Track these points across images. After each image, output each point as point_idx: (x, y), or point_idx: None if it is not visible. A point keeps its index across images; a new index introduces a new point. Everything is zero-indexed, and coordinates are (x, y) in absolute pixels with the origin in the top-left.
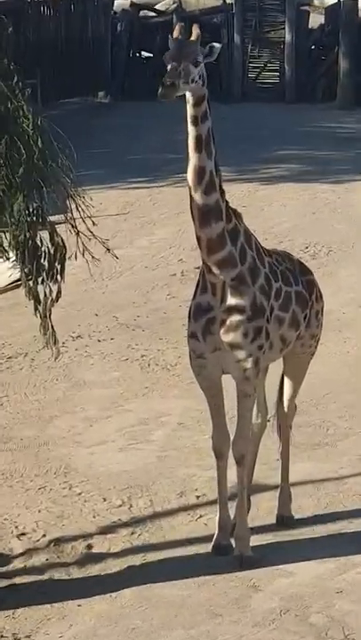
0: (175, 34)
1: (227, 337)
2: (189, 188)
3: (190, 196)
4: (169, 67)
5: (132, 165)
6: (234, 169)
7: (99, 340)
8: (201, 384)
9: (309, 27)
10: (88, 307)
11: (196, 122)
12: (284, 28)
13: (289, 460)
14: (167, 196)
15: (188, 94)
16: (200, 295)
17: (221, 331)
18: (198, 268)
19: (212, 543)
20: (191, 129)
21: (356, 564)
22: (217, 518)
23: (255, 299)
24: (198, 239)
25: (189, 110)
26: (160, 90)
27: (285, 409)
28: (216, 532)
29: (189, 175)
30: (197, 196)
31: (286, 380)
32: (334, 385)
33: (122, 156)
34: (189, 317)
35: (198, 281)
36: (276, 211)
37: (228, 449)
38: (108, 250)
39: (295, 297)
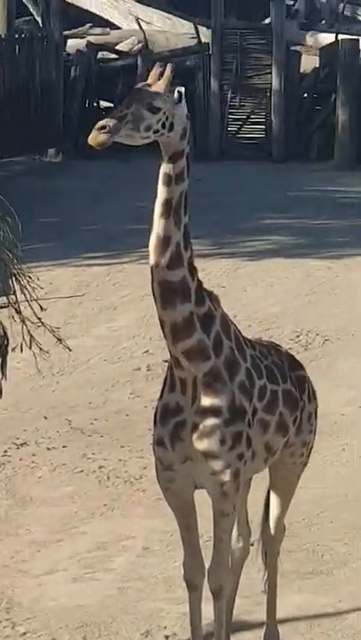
0: (149, 80)
1: (200, 444)
2: (150, 261)
3: (151, 270)
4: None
5: (88, 238)
6: (210, 241)
7: (48, 448)
8: (170, 501)
9: (301, 71)
10: (35, 408)
11: (168, 182)
12: (270, 73)
13: (276, 593)
14: (130, 275)
15: (162, 147)
16: (168, 394)
17: (193, 437)
18: (167, 361)
19: None
20: (161, 190)
21: None
22: None
23: (234, 398)
24: (161, 323)
25: (163, 167)
26: (92, 133)
27: (272, 531)
28: None
29: (151, 245)
30: (158, 271)
31: (273, 496)
32: (331, 502)
33: (76, 226)
34: (155, 421)
35: (166, 377)
36: (261, 292)
37: (202, 579)
38: (60, 340)
39: (283, 397)
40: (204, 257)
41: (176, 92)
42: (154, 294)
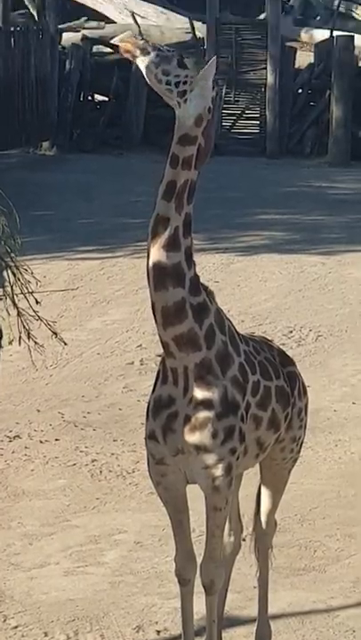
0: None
1: (192, 437)
2: (148, 242)
3: (147, 251)
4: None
5: (82, 231)
6: (204, 236)
7: (41, 442)
8: (162, 495)
9: (296, 66)
10: (28, 401)
11: (175, 164)
12: (265, 68)
13: (268, 589)
14: (123, 268)
15: (176, 124)
16: (160, 387)
17: (185, 429)
18: (160, 355)
19: None
20: (167, 171)
21: None
22: None
23: (226, 392)
24: (153, 307)
25: (172, 147)
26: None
27: (264, 526)
28: None
29: (150, 225)
30: (154, 251)
31: (264, 492)
32: (323, 498)
33: (70, 219)
34: (148, 414)
35: (159, 371)
36: (254, 287)
37: (194, 574)
38: (55, 334)
39: (276, 393)
40: (198, 252)
41: (217, 82)
42: (148, 276)
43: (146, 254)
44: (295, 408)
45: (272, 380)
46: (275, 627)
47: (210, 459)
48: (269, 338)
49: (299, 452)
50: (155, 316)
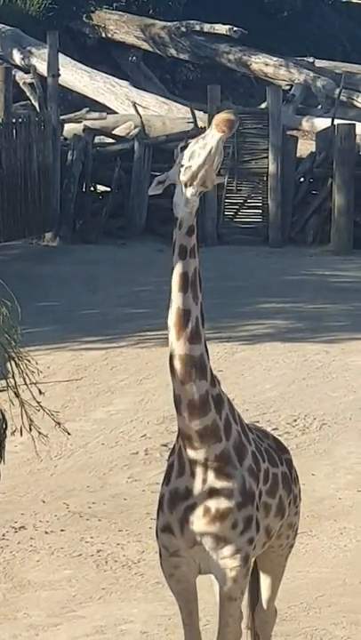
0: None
1: (211, 528)
2: (171, 336)
3: (171, 345)
4: None
5: (85, 322)
6: (207, 325)
7: (46, 532)
8: (173, 587)
9: (298, 155)
10: (33, 492)
11: (184, 255)
12: (267, 157)
13: None
14: (127, 358)
15: (181, 218)
16: (176, 479)
17: (204, 521)
18: (165, 445)
19: None
20: (178, 263)
21: None
22: None
23: (244, 482)
24: (178, 400)
25: (180, 239)
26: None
27: (264, 615)
28: None
29: (171, 319)
30: (180, 345)
31: (263, 580)
32: (329, 586)
33: (73, 310)
34: (161, 507)
35: (172, 463)
36: (258, 376)
37: None
38: (58, 424)
39: (281, 479)
40: None
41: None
42: (173, 370)
43: (170, 349)
44: (291, 495)
45: (278, 466)
46: None
47: (228, 549)
48: (274, 426)
49: (295, 537)
50: (179, 409)
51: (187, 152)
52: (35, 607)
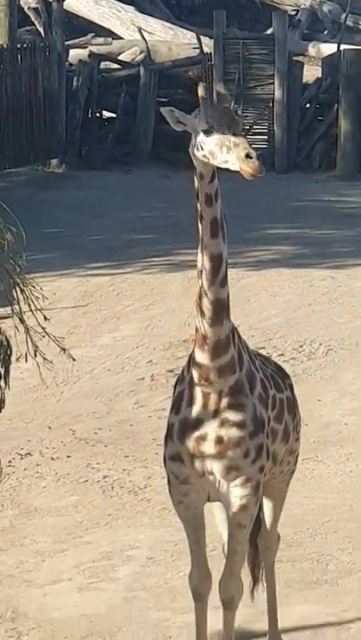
0: (201, 92)
1: (223, 458)
2: (203, 280)
3: (203, 289)
4: (242, 139)
5: (91, 248)
6: None
7: (52, 458)
8: (181, 514)
9: (304, 81)
10: (39, 418)
11: (210, 202)
12: (273, 83)
13: (276, 602)
14: (133, 284)
15: (204, 169)
16: (186, 408)
17: (216, 451)
18: (172, 371)
19: None
20: (207, 211)
21: None
22: None
23: (255, 410)
24: (204, 340)
25: (204, 188)
26: (257, 163)
27: (267, 540)
28: None
29: (206, 265)
30: (214, 290)
31: (266, 507)
32: (335, 511)
33: (79, 236)
34: (171, 437)
35: (181, 392)
36: (264, 302)
37: (209, 589)
38: (64, 350)
39: (287, 405)
40: None
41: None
42: (202, 312)
43: (199, 291)
44: (296, 420)
45: (283, 392)
46: None
47: (240, 478)
48: (280, 352)
49: (295, 464)
50: (203, 348)
51: (209, 141)
52: (41, 533)
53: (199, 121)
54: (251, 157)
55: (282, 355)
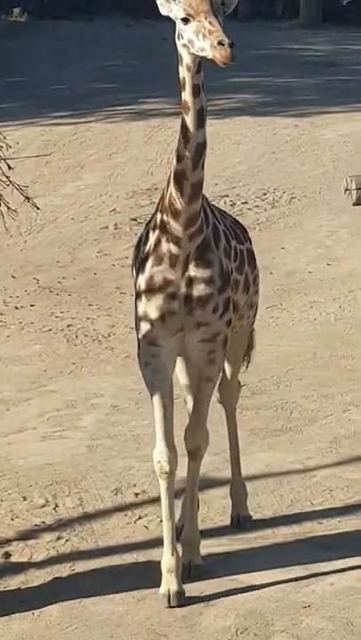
0: None
1: (194, 314)
2: (187, 164)
3: (184, 172)
4: (217, 27)
5: (55, 97)
6: (174, 100)
7: (16, 307)
8: (150, 378)
9: None
10: (3, 267)
11: (197, 92)
12: None
13: (239, 450)
14: (97, 133)
15: (190, 60)
16: (152, 267)
17: (186, 309)
18: (135, 220)
19: (160, 590)
20: (194, 101)
21: (327, 574)
22: (163, 559)
23: (222, 265)
24: (177, 214)
25: (192, 79)
26: (229, 51)
27: (229, 389)
28: (164, 577)
29: (190, 152)
30: (196, 174)
31: (227, 358)
32: (299, 359)
33: (42, 86)
34: (139, 297)
35: (147, 251)
36: (227, 150)
37: (175, 464)
38: (27, 199)
39: (247, 256)
40: (169, 115)
41: None
42: (181, 191)
43: (180, 173)
44: (255, 271)
45: (243, 243)
46: (253, 487)
47: (209, 333)
48: (243, 200)
49: (254, 316)
50: (177, 221)
51: (187, 29)
52: (5, 382)
53: (179, 9)
54: (223, 44)
55: (245, 203)
